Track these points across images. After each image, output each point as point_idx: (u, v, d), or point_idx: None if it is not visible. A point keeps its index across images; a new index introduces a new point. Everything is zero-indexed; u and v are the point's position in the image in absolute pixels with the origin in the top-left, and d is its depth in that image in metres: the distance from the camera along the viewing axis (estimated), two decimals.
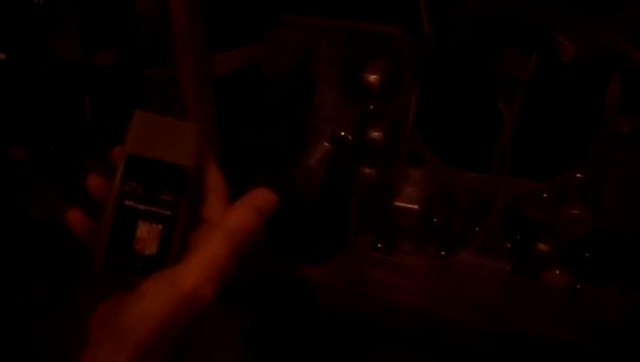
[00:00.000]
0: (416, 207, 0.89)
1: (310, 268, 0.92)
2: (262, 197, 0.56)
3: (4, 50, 1.04)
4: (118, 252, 0.52)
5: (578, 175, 0.81)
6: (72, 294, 1.09)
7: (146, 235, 0.52)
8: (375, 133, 0.83)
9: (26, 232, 1.13)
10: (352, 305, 0.90)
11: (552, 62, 0.76)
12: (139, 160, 0.53)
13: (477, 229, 0.87)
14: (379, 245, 0.94)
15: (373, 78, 0.80)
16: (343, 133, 0.82)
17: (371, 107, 0.84)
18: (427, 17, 0.80)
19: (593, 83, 0.76)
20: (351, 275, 0.91)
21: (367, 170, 0.87)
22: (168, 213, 0.53)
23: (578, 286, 0.84)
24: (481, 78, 0.80)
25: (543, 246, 0.84)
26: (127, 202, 0.52)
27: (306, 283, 0.91)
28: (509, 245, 0.88)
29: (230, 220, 0.54)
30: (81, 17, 0.94)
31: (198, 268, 0.51)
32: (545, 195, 0.83)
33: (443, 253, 0.91)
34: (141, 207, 0.53)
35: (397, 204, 0.89)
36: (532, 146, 0.82)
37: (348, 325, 0.95)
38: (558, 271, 0.85)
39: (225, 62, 0.88)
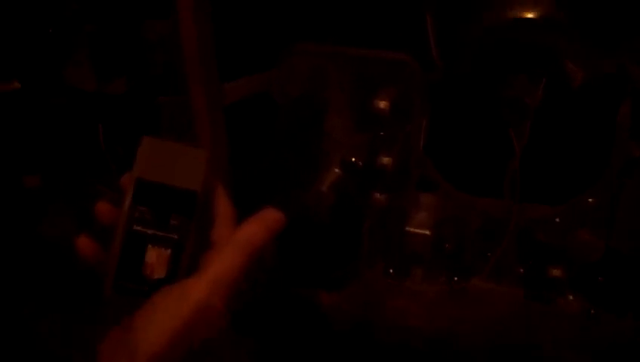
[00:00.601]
0: (427, 232, 0.89)
1: (321, 292, 0.91)
2: (271, 215, 0.56)
3: (19, 80, 1.05)
4: (127, 277, 0.52)
5: (590, 199, 0.80)
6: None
7: (155, 260, 0.53)
8: (385, 159, 0.84)
9: (39, 256, 1.13)
10: (364, 328, 0.89)
11: (562, 88, 0.76)
12: (147, 185, 0.53)
13: (489, 254, 0.87)
14: (391, 271, 0.93)
15: (383, 104, 0.81)
16: (353, 159, 0.83)
17: (382, 133, 0.85)
18: (435, 44, 0.81)
19: (603, 108, 0.76)
20: (362, 300, 0.91)
21: (378, 196, 0.87)
22: (177, 237, 0.53)
23: (592, 311, 0.84)
24: (491, 104, 0.80)
25: (555, 272, 0.84)
26: (136, 227, 0.53)
27: (316, 306, 0.90)
28: (522, 270, 0.88)
29: (240, 234, 0.54)
30: (94, 46, 0.96)
31: (207, 280, 0.51)
32: (557, 220, 0.83)
33: (455, 279, 0.90)
34: (150, 231, 0.53)
35: (408, 229, 0.89)
36: (544, 171, 0.82)
37: (358, 348, 0.94)
38: (571, 297, 0.85)
39: (236, 90, 0.89)
